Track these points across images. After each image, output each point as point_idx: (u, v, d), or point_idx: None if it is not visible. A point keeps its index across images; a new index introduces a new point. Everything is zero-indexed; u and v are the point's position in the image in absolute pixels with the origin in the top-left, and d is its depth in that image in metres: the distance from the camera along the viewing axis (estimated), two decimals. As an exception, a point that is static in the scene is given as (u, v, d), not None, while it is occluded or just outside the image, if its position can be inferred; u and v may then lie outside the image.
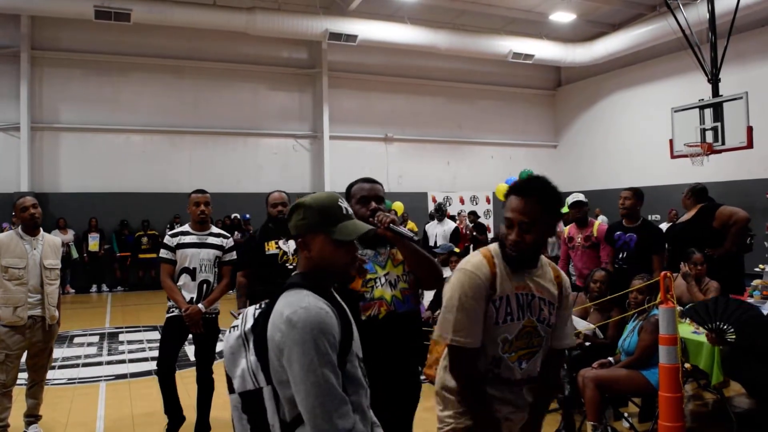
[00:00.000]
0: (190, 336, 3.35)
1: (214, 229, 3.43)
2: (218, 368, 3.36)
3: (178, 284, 3.27)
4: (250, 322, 1.32)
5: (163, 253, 3.31)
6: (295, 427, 1.22)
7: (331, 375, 1.18)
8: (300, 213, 1.35)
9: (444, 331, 1.58)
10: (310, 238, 1.32)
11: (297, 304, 1.22)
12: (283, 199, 3.45)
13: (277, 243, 3.29)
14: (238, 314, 3.62)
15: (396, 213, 8.73)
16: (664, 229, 4.75)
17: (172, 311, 3.28)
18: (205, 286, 3.29)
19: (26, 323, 3.25)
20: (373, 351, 1.57)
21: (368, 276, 1.85)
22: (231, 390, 1.31)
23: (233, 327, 1.34)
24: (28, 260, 3.25)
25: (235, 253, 3.45)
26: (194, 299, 3.27)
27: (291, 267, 3.16)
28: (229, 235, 3.54)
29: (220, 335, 3.20)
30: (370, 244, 1.90)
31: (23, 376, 3.47)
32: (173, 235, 3.35)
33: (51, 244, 3.42)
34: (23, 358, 3.38)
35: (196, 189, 3.46)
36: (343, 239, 1.31)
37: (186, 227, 3.40)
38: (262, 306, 1.33)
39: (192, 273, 3.27)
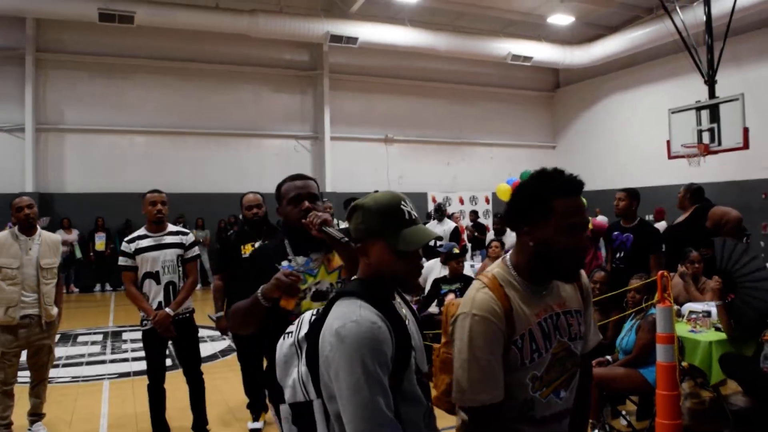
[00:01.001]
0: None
1: (171, 227, 3.28)
2: (207, 368, 3.44)
3: (143, 291, 3.14)
4: (305, 329, 1.24)
5: (122, 260, 3.16)
6: None
7: (380, 398, 1.08)
8: (359, 216, 1.23)
9: (460, 392, 1.28)
10: (370, 245, 1.21)
11: (348, 317, 1.13)
12: (257, 201, 3.38)
13: (253, 245, 3.21)
14: (216, 317, 3.64)
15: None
16: (661, 230, 4.80)
17: (146, 324, 3.14)
18: (171, 287, 3.15)
19: (20, 323, 3.24)
20: None
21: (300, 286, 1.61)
22: (282, 400, 1.25)
23: (288, 333, 1.28)
24: (22, 260, 3.24)
25: (197, 248, 3.35)
26: (162, 303, 3.13)
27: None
28: (188, 231, 3.41)
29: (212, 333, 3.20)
30: (302, 249, 1.67)
31: (27, 375, 3.49)
32: (130, 241, 3.20)
33: (49, 242, 3.40)
34: (24, 357, 3.39)
35: (151, 189, 3.32)
36: (406, 249, 1.18)
37: (142, 230, 3.24)
38: (318, 311, 1.25)
39: (155, 277, 3.13)
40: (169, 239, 3.21)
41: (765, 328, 3.08)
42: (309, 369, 1.18)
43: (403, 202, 1.23)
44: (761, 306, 3.05)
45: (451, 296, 4.73)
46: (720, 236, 3.64)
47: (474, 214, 10.55)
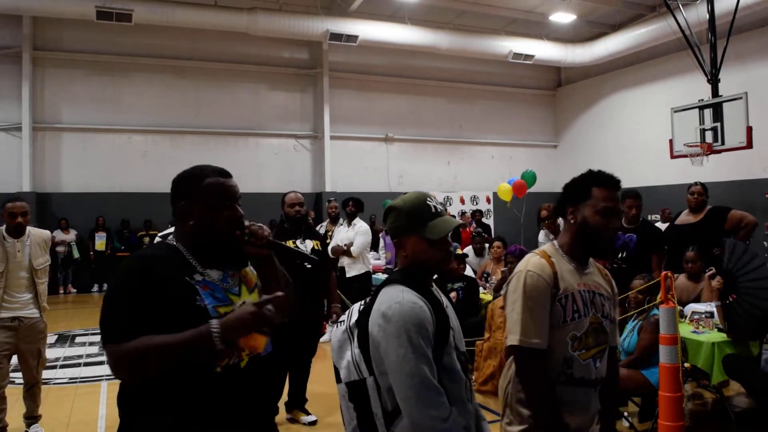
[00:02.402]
0: None
1: None
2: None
3: None
4: (354, 317, 1.40)
5: None
6: (396, 416, 1.28)
7: (425, 366, 1.23)
8: (392, 216, 1.42)
9: (511, 333, 1.54)
10: (404, 240, 1.39)
11: (392, 300, 1.30)
12: (299, 199, 3.49)
13: (294, 242, 3.33)
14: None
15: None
16: (663, 229, 4.76)
17: None
18: None
19: (8, 325, 3.18)
20: (231, 410, 1.29)
21: (221, 310, 1.29)
22: (338, 380, 1.40)
23: (340, 322, 1.44)
24: (8, 263, 3.16)
25: None
26: None
27: (308, 267, 3.03)
28: None
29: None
30: (212, 262, 1.35)
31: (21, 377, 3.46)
32: (164, 237, 3.20)
33: (38, 241, 3.31)
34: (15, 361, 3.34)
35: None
36: (433, 238, 1.35)
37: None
38: (366, 302, 1.41)
39: None
40: None
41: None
42: (361, 351, 1.34)
43: (428, 199, 1.42)
44: (756, 312, 3.03)
45: (452, 294, 4.69)
46: (732, 238, 3.63)
47: (479, 214, 10.50)
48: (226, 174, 1.44)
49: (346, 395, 1.37)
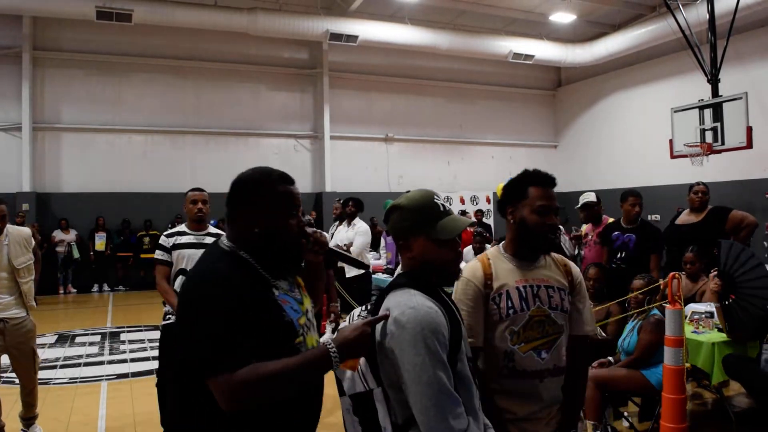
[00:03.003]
0: None
1: (212, 229, 3.27)
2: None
3: (174, 287, 3.08)
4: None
5: (158, 254, 3.15)
6: (407, 429, 1.19)
7: (443, 375, 1.16)
8: (396, 215, 1.33)
9: None
10: (411, 240, 1.31)
11: (405, 305, 1.20)
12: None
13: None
14: None
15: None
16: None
17: (169, 317, 3.12)
18: None
19: None
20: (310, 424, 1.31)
21: (301, 321, 1.27)
22: (341, 393, 1.30)
23: (338, 330, 1.31)
24: None
25: None
26: None
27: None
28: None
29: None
30: (283, 270, 1.31)
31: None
32: (169, 236, 3.20)
33: (17, 240, 3.16)
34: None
35: (193, 187, 3.31)
36: (445, 238, 1.29)
37: (182, 227, 3.23)
38: (368, 307, 1.31)
39: None
40: (208, 240, 3.13)
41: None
42: (367, 360, 1.24)
43: (435, 197, 1.35)
44: (756, 312, 3.02)
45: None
46: (732, 239, 3.63)
47: (479, 213, 10.49)
48: (291, 180, 1.34)
49: (350, 408, 1.28)
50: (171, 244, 3.15)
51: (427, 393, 1.14)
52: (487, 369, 1.61)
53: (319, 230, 1.42)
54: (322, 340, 1.24)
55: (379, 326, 1.22)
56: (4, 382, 3.96)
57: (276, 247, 1.27)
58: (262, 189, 1.28)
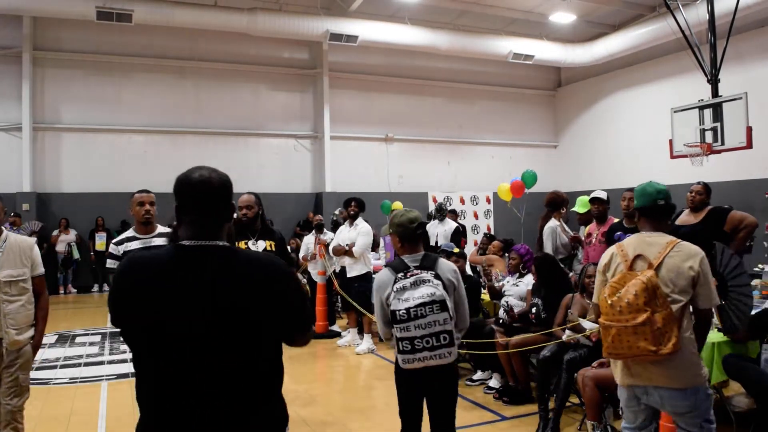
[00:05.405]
0: None
1: (161, 228, 3.15)
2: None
3: None
4: (425, 274, 2.39)
5: (110, 263, 3.01)
6: (454, 316, 2.41)
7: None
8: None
9: (713, 300, 2.23)
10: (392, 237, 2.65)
11: (451, 264, 2.58)
12: (245, 202, 3.43)
13: (246, 243, 3.33)
14: None
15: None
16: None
17: None
18: None
19: None
20: None
21: None
22: (395, 312, 2.36)
23: (411, 277, 2.42)
24: None
25: None
26: None
27: None
28: None
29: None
30: None
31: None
32: (118, 243, 3.06)
33: (16, 249, 2.69)
34: None
35: (139, 189, 3.21)
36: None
37: (131, 231, 3.11)
38: (427, 266, 2.45)
39: None
40: (158, 241, 3.03)
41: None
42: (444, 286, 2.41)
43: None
44: (741, 317, 3.03)
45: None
46: (731, 240, 3.63)
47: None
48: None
49: (434, 305, 2.31)
50: (122, 251, 3.03)
51: (467, 302, 2.54)
52: None
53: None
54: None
55: (445, 272, 2.44)
56: None
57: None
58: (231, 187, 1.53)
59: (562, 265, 4.60)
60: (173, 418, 1.30)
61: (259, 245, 3.39)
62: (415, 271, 2.36)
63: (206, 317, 1.29)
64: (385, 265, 2.84)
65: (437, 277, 2.36)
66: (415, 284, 2.33)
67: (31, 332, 2.73)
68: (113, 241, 3.14)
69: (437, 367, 2.33)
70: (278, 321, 1.36)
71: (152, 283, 1.32)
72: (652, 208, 2.44)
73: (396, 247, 2.54)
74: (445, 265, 2.45)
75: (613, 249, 2.37)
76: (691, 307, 2.17)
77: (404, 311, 2.29)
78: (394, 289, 2.34)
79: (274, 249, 3.48)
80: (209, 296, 1.30)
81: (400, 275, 2.37)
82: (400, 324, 2.30)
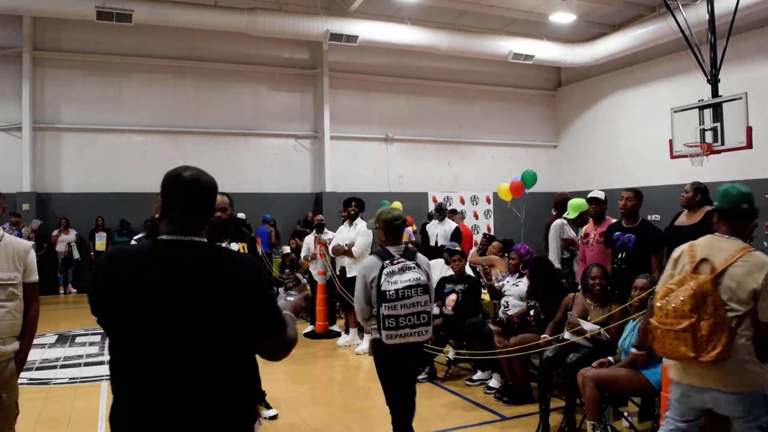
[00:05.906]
0: None
1: None
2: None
3: None
4: (410, 263, 2.81)
5: None
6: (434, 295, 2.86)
7: None
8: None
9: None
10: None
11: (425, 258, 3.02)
12: (220, 204, 3.35)
13: (219, 245, 3.33)
14: None
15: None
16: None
17: None
18: None
19: None
20: None
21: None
22: (397, 291, 2.73)
23: (405, 267, 2.81)
24: None
25: None
26: None
27: None
28: None
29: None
30: None
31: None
32: (139, 240, 3.09)
33: (8, 250, 2.42)
34: None
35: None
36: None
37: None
38: (412, 257, 2.86)
39: None
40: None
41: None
42: (425, 273, 2.85)
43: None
44: None
45: (453, 296, 4.71)
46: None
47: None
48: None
49: (418, 288, 2.73)
50: None
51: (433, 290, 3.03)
52: None
53: None
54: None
55: (423, 262, 2.87)
56: None
57: None
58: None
59: (557, 266, 4.62)
60: (147, 414, 1.30)
61: (233, 247, 3.38)
62: (401, 259, 2.78)
63: (184, 314, 1.30)
64: (371, 254, 3.19)
65: (418, 266, 2.79)
66: (402, 270, 2.73)
67: (16, 344, 2.40)
68: (134, 237, 3.24)
69: (415, 343, 2.73)
70: (252, 320, 1.37)
71: (131, 277, 1.32)
72: (735, 212, 2.35)
73: (381, 239, 2.93)
74: (422, 258, 2.91)
75: (685, 246, 2.33)
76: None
77: (393, 291, 2.68)
78: (384, 273, 2.72)
79: (246, 251, 3.52)
80: (187, 292, 1.31)
81: (386, 262, 2.75)
82: (388, 302, 2.68)
